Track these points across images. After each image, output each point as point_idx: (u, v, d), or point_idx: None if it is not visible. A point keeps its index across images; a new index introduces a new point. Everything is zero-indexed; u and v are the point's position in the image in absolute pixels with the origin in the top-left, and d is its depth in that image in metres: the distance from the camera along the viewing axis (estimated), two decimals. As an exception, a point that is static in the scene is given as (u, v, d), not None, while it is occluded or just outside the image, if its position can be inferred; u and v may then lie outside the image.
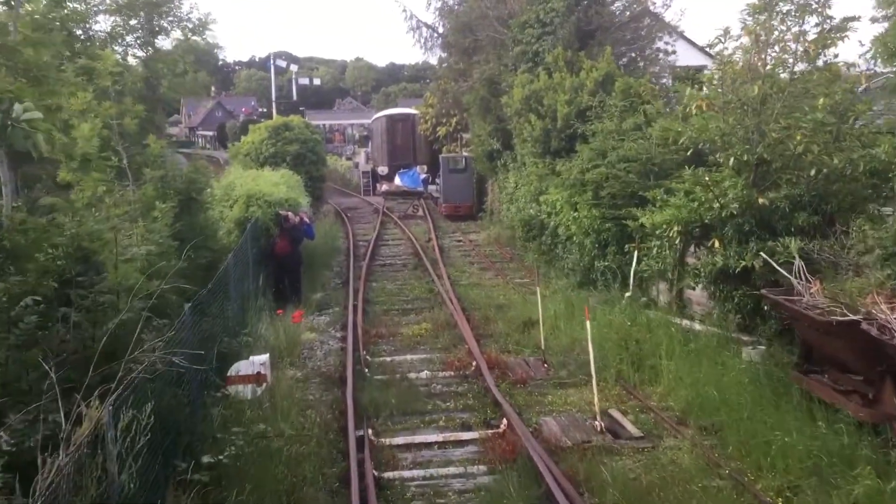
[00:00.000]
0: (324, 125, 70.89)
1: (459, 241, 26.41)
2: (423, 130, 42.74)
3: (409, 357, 13.00)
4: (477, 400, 10.89)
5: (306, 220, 17.62)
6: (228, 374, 10.08)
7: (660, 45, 26.21)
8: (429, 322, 15.04)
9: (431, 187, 41.30)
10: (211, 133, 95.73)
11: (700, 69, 30.64)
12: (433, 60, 38.10)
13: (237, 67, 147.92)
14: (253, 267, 15.50)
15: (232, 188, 18.54)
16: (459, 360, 12.55)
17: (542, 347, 12.48)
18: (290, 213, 17.19)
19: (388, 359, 12.89)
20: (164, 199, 13.53)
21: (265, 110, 62.54)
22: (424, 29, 32.74)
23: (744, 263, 12.06)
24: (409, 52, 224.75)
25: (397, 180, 42.33)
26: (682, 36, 29.38)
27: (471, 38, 28.19)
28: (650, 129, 16.42)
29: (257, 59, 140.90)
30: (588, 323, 10.23)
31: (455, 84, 31.69)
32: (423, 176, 42.53)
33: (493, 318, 15.17)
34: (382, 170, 44.32)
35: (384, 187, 42.58)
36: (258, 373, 10.13)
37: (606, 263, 16.52)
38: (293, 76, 55.35)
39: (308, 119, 44.75)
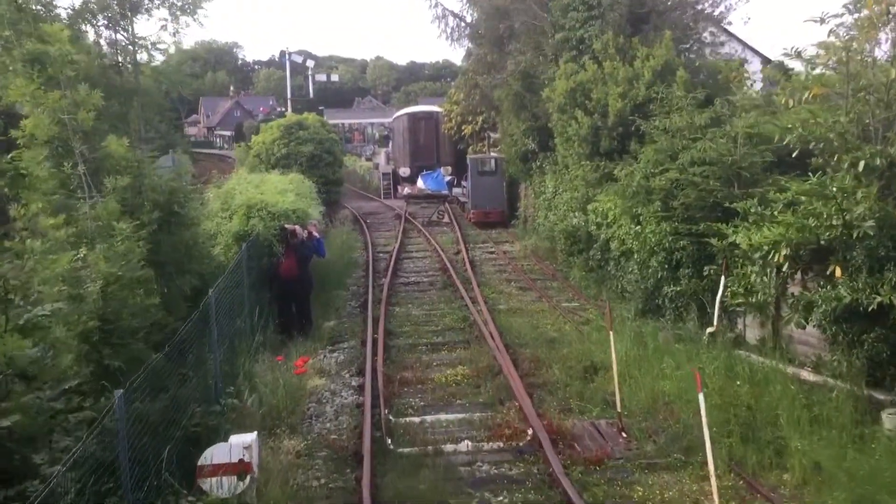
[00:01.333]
0: (343, 124, 68.37)
1: (492, 252, 23.54)
2: (447, 129, 40.04)
3: (443, 417, 10.13)
4: (539, 493, 7.97)
5: (315, 234, 14.83)
6: (199, 462, 7.30)
7: (705, 35, 23.19)
8: (466, 364, 12.18)
9: (457, 190, 38.52)
10: (229, 133, 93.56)
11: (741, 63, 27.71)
12: (459, 55, 35.57)
13: (256, 67, 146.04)
14: (250, 294, 12.76)
15: (232, 196, 15.80)
16: (509, 424, 9.68)
17: (618, 409, 9.58)
18: (297, 227, 14.41)
19: (417, 419, 10.02)
20: (139, 215, 10.87)
21: (284, 110, 60.16)
22: (451, 18, 29.90)
23: (879, 299, 9.19)
24: (430, 51, 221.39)
25: (420, 183, 39.56)
26: (722, 28, 26.36)
27: (505, 25, 25.30)
28: (734, 126, 13.47)
29: (276, 59, 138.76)
30: (701, 397, 7.34)
31: (485, 78, 28.86)
32: (447, 178, 39.75)
33: (545, 359, 12.28)
34: (404, 171, 41.61)
35: (406, 190, 39.79)
36: (240, 460, 7.34)
37: (678, 289, 13.60)
38: (309, 72, 52.67)
39: (327, 118, 42.11)
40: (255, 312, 12.30)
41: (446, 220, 30.98)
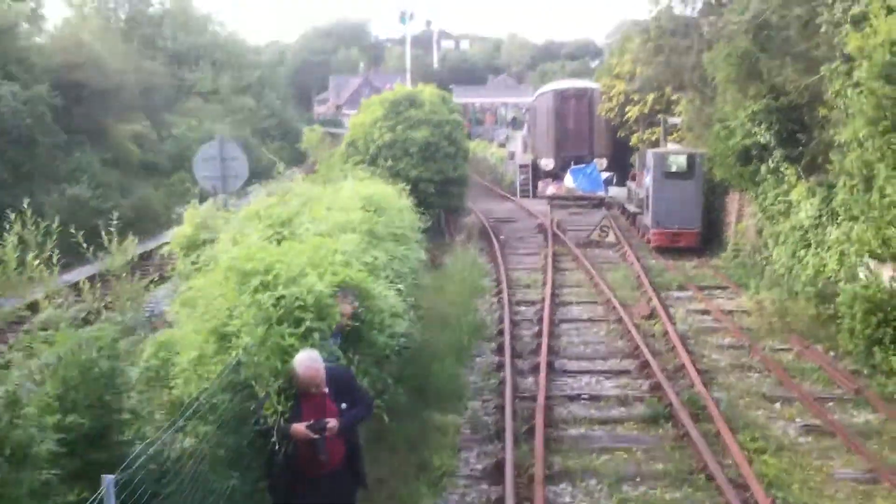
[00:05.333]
0: (473, 104, 60.07)
1: (705, 314, 14.27)
2: (604, 111, 31.03)
3: None
4: None
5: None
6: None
7: None
8: None
9: (615, 191, 29.54)
10: (355, 112, 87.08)
11: None
12: (601, 33, 26.19)
13: (388, 44, 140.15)
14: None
15: (234, 243, 7.47)
16: None
17: None
18: (321, 372, 5.65)
19: None
20: None
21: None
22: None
23: None
24: (568, 29, 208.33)
25: (569, 180, 30.71)
26: None
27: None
28: None
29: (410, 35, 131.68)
30: None
31: (682, 40, 19.69)
32: (605, 175, 30.74)
33: None
34: (547, 164, 32.89)
35: (550, 189, 31.02)
36: None
37: None
38: (434, 37, 44.14)
39: (456, 98, 33.79)
40: None
41: (611, 238, 21.96)
